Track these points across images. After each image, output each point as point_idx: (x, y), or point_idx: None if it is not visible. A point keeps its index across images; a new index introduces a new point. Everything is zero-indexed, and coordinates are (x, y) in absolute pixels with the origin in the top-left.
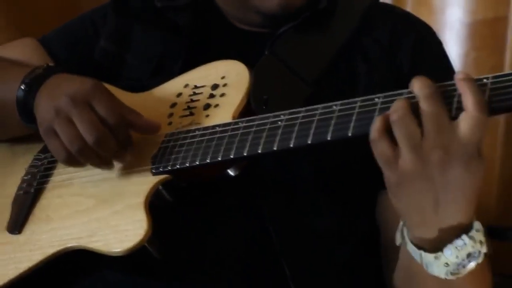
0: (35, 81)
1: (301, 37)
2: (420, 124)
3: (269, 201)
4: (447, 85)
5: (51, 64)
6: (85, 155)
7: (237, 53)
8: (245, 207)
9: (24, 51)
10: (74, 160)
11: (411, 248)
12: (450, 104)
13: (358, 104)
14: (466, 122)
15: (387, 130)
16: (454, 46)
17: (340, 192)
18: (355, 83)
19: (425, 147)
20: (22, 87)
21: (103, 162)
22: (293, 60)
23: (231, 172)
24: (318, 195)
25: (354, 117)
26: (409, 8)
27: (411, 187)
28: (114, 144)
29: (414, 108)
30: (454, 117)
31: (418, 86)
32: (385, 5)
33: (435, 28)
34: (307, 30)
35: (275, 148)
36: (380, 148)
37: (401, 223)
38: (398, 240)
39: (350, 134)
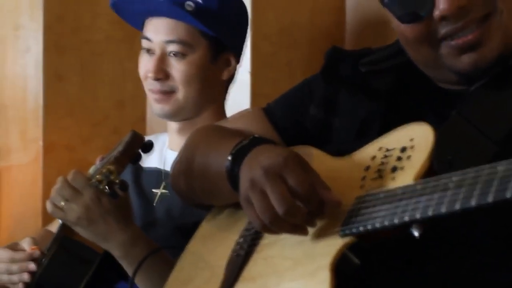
0: (240, 152)
1: (491, 94)
2: None
3: (451, 258)
4: None
5: (257, 135)
6: (276, 225)
7: (433, 112)
8: (429, 265)
9: (249, 121)
10: (269, 229)
11: None
12: None
13: None
14: None
15: None
16: None
17: None
18: None
19: None
20: (229, 158)
21: (296, 230)
22: (481, 119)
23: (414, 232)
24: (498, 247)
25: None
26: None
27: None
28: (304, 214)
29: None
30: None
31: None
32: None
33: None
34: (498, 87)
35: (473, 205)
36: None
37: None
38: None
39: None
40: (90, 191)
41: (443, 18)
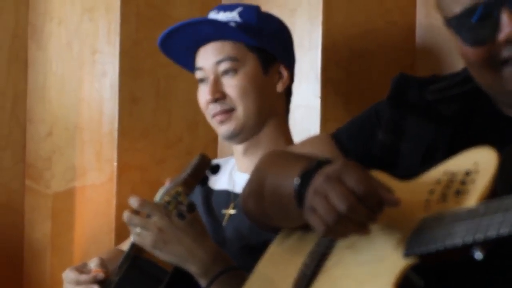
0: (308, 174)
1: None
2: None
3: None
4: None
5: (323, 158)
6: (341, 224)
7: (498, 138)
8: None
9: (317, 146)
10: (333, 231)
11: None
12: None
13: None
14: None
15: None
16: None
17: None
18: None
19: None
20: (296, 181)
21: (360, 228)
22: None
23: (477, 255)
24: None
25: None
26: None
27: None
28: (365, 211)
29: None
30: None
31: None
32: None
33: None
34: None
35: None
36: None
37: None
38: None
39: None
40: (158, 212)
41: (508, 41)
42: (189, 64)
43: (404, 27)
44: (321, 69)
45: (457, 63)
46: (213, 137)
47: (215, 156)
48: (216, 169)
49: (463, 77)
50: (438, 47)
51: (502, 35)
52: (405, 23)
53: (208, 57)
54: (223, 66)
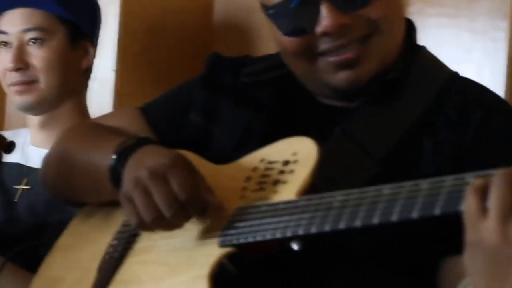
0: (125, 152)
1: (373, 112)
2: None
3: (331, 274)
4: None
5: (143, 135)
6: (157, 225)
7: (315, 127)
8: (308, 280)
9: (125, 120)
10: (146, 227)
11: None
12: None
13: (448, 183)
14: None
15: (483, 191)
16: None
17: (401, 262)
18: (419, 160)
19: None
20: (114, 156)
21: (174, 229)
22: (363, 137)
23: (294, 246)
24: (379, 266)
25: (442, 196)
26: None
27: (486, 253)
28: (188, 218)
29: None
30: None
31: None
32: (462, 79)
33: None
34: (379, 104)
35: (341, 227)
36: (470, 203)
37: (465, 280)
38: None
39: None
40: None
41: (325, 34)
42: None
43: (202, 3)
44: (118, 42)
45: (256, 41)
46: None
47: (2, 128)
48: (12, 147)
49: (276, 61)
50: (236, 24)
51: (320, 28)
52: None
53: (15, 24)
54: (30, 35)
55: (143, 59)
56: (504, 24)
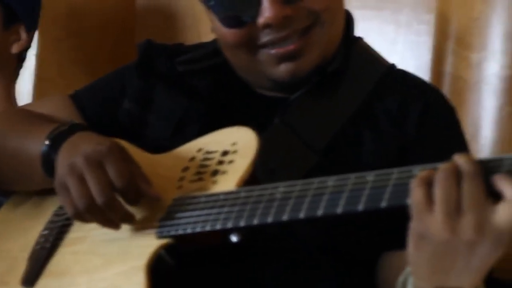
0: (59, 137)
1: (313, 103)
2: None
3: (271, 266)
4: (486, 161)
5: (76, 121)
6: (91, 213)
7: (254, 118)
8: (247, 272)
9: (56, 107)
10: (82, 216)
11: None
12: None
13: (395, 175)
14: (506, 213)
15: (429, 183)
16: (489, 100)
17: (342, 255)
18: (359, 151)
19: (460, 222)
20: (46, 142)
21: (109, 223)
22: (303, 128)
23: (233, 238)
24: (320, 259)
25: (388, 189)
26: (448, 64)
27: (432, 245)
28: (122, 210)
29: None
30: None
31: (462, 163)
32: (400, 71)
33: (471, 81)
34: (319, 96)
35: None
36: (416, 195)
37: (407, 269)
38: (398, 286)
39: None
40: None
41: (267, 26)
42: None
43: None
44: (40, 25)
45: (179, 27)
46: None
47: None
48: None
49: (212, 50)
50: (159, 9)
51: (262, 19)
52: None
53: None
54: None
55: (64, 43)
56: (429, 17)
